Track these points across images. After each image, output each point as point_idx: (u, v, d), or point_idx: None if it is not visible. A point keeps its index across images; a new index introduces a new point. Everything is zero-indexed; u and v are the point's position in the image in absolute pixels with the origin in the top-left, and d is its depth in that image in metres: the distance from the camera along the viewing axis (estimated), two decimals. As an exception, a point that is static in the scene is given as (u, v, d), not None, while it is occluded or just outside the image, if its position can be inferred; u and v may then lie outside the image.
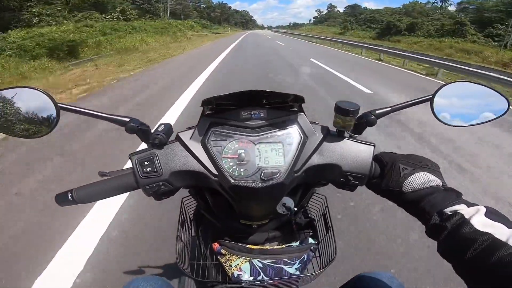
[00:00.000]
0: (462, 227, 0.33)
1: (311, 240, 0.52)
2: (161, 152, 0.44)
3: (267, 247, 0.51)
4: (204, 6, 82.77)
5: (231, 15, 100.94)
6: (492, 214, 0.34)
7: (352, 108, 0.42)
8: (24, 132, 0.42)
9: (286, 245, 0.51)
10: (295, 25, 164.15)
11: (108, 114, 0.43)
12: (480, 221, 0.33)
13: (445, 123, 0.47)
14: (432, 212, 0.37)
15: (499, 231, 0.31)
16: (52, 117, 0.41)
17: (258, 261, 0.47)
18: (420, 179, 0.40)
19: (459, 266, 0.33)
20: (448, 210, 0.36)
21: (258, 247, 0.49)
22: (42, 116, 0.41)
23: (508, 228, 0.31)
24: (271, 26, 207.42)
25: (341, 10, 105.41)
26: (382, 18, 47.28)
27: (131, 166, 0.44)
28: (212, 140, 0.44)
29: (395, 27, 36.73)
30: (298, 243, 0.51)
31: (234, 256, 0.47)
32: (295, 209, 0.50)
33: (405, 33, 34.44)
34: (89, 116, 0.42)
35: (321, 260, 0.53)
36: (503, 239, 0.30)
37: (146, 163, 0.43)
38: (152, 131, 0.45)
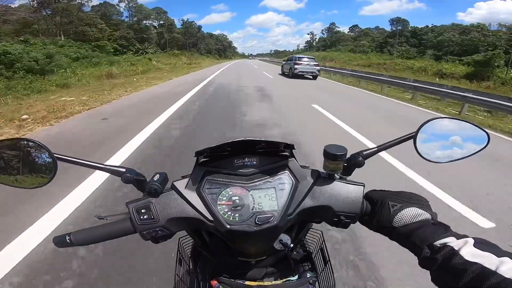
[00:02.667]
0: (452, 258, 0.34)
1: (309, 273, 0.52)
2: (157, 200, 0.45)
3: (266, 283, 0.49)
4: (156, 25, 53.15)
5: (200, 39, 68.18)
6: (481, 244, 0.35)
7: (340, 153, 0.45)
8: (23, 183, 0.42)
9: (284, 279, 0.50)
10: (277, 53, 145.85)
11: (104, 165, 0.44)
12: (469, 252, 0.34)
13: (427, 160, 0.48)
14: (423, 245, 0.38)
15: (488, 261, 0.32)
16: (49, 168, 0.42)
17: None
18: (409, 214, 0.41)
19: None
20: (438, 243, 0.37)
21: (256, 283, 0.48)
22: (39, 167, 0.42)
23: (498, 257, 0.32)
24: (251, 54, 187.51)
25: (345, 31, 79.21)
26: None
27: (126, 211, 0.45)
28: (207, 188, 0.46)
29: None
30: (296, 277, 0.51)
31: None
32: (292, 244, 0.50)
33: None
34: (85, 167, 0.43)
35: None
36: (493, 268, 0.30)
37: (143, 211, 0.44)
38: (147, 180, 0.46)
